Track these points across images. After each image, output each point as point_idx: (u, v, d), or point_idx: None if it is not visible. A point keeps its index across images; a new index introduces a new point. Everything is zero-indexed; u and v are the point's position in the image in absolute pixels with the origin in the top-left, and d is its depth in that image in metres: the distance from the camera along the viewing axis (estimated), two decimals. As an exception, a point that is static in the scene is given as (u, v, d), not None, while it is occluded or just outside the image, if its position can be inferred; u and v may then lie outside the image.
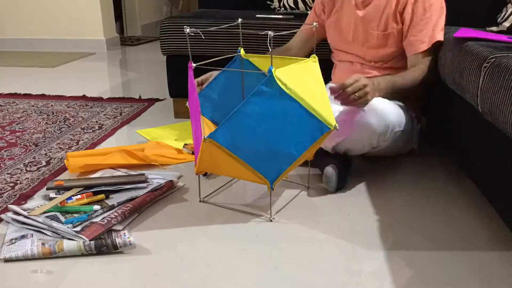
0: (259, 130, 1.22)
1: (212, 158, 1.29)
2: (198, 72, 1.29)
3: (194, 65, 1.29)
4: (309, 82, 1.30)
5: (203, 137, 1.19)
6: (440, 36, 1.56)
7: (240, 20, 1.50)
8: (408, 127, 1.54)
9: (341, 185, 1.50)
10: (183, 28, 2.08)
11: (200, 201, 1.43)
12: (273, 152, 1.26)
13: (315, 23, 1.43)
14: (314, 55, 1.35)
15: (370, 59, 1.64)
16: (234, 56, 1.53)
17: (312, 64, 1.34)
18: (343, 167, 1.51)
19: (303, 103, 1.24)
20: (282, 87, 1.20)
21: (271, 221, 1.32)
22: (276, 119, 1.23)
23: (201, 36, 1.32)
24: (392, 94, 1.52)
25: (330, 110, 1.31)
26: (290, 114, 1.24)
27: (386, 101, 1.47)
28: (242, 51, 1.52)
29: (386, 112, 1.44)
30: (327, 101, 1.31)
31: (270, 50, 1.22)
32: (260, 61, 1.53)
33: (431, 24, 1.55)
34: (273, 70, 1.18)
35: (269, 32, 1.20)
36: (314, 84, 1.31)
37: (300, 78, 1.28)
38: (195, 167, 1.36)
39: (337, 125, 1.29)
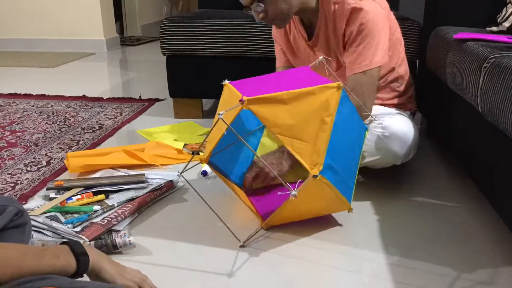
0: (341, 144, 1.18)
1: (303, 201, 1.16)
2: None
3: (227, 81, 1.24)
4: None
5: (312, 176, 1.09)
6: (377, 62, 1.41)
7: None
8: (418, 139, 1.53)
9: None
10: (183, 28, 2.09)
11: (240, 246, 1.22)
12: (349, 169, 1.23)
13: (321, 57, 1.34)
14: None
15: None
16: None
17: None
18: None
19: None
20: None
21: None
22: (347, 124, 1.20)
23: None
24: None
25: None
26: (351, 116, 1.22)
27: (403, 120, 1.44)
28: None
29: (408, 137, 1.42)
30: None
31: (327, 73, 1.18)
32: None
33: (366, 46, 1.40)
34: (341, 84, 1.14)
35: (321, 57, 1.18)
36: None
37: None
38: (265, 222, 1.26)
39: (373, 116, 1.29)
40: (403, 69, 1.59)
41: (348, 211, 1.28)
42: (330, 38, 1.48)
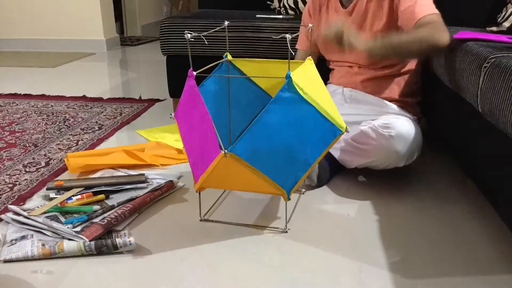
0: (278, 139, 1.16)
1: (225, 173, 1.20)
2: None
3: (195, 73, 1.23)
4: (315, 84, 1.27)
5: (223, 152, 1.10)
6: (435, 9, 1.44)
7: (226, 23, 1.46)
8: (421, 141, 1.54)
9: (323, 181, 1.53)
10: (183, 28, 2.09)
11: (200, 220, 1.34)
12: (291, 160, 1.21)
13: (310, 24, 1.40)
14: (310, 57, 1.32)
15: (364, 62, 1.61)
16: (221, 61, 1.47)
17: (310, 66, 1.31)
18: (329, 164, 1.53)
19: (317, 107, 1.20)
20: (300, 92, 1.16)
21: (286, 232, 1.28)
22: (294, 126, 1.18)
23: (202, 38, 1.29)
24: (395, 52, 1.42)
25: (337, 112, 1.29)
26: (307, 119, 1.20)
27: (409, 122, 1.44)
28: (228, 56, 1.47)
29: (412, 138, 1.42)
30: (332, 103, 1.30)
31: (292, 53, 1.19)
32: (247, 66, 1.47)
33: (418, 1, 1.43)
34: (291, 74, 1.14)
35: (287, 35, 1.19)
36: (319, 86, 1.29)
37: (308, 81, 1.24)
38: (196, 184, 1.26)
39: (348, 127, 1.27)
40: (419, 67, 1.63)
41: (284, 199, 1.25)
42: (369, 6, 1.52)
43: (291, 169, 1.23)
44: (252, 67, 1.48)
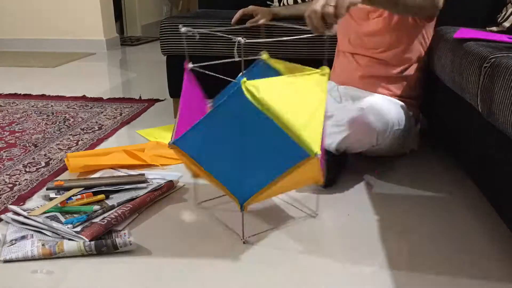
0: (226, 143, 1.11)
1: (187, 163, 1.23)
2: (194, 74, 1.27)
3: (190, 66, 1.24)
4: (303, 98, 1.14)
5: (168, 142, 1.16)
6: None
7: (247, 24, 1.42)
8: (407, 126, 1.54)
9: (330, 182, 1.52)
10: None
11: (198, 203, 1.40)
12: (242, 171, 1.14)
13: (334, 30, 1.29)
14: (326, 66, 1.19)
15: (371, 45, 1.58)
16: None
17: (318, 78, 1.18)
18: (333, 163, 1.52)
19: (279, 122, 1.06)
20: (252, 100, 1.04)
21: (244, 243, 1.23)
22: (246, 135, 1.09)
23: (201, 36, 1.27)
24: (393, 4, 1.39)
25: (318, 134, 1.12)
26: (263, 132, 1.09)
27: (385, 98, 1.46)
28: (265, 55, 1.37)
29: (385, 111, 1.43)
30: (319, 122, 1.14)
31: (241, 57, 1.10)
32: (285, 68, 1.31)
33: None
34: (242, 80, 1.03)
35: (240, 38, 1.10)
36: (310, 101, 1.14)
37: (292, 92, 1.12)
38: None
39: (318, 152, 1.08)
40: (420, 74, 1.63)
41: (239, 210, 1.20)
42: None
43: (243, 180, 1.16)
44: (284, 70, 1.32)
